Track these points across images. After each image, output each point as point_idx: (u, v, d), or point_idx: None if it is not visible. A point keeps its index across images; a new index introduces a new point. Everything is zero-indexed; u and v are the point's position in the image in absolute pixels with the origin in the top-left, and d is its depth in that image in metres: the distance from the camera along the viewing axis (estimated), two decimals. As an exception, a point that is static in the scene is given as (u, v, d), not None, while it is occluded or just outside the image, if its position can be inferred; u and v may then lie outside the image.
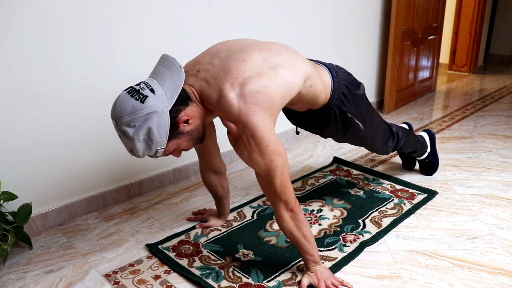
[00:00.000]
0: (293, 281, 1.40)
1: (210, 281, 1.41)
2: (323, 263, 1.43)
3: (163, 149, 1.16)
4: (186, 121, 1.17)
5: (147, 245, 1.63)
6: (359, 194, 1.98)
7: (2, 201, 1.56)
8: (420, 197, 1.93)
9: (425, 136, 2.13)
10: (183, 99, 1.16)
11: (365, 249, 1.56)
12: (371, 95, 3.38)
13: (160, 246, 1.61)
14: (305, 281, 1.36)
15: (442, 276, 1.41)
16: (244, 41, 1.32)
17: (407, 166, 2.25)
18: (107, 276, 1.47)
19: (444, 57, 4.76)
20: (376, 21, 3.17)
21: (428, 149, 2.11)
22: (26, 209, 1.59)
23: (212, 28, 2.14)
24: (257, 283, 1.39)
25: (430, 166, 2.16)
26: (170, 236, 1.68)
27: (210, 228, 1.73)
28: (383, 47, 3.32)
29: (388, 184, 2.08)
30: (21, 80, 1.60)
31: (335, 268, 1.45)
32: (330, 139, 2.76)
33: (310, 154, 2.55)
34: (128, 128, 1.09)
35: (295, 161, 2.45)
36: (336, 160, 2.40)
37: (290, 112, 1.63)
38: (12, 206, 1.63)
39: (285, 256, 1.53)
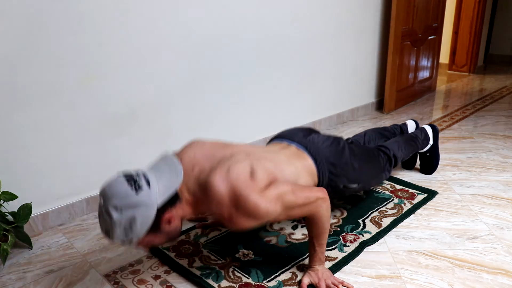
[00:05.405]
0: (293, 281, 1.40)
1: (210, 281, 1.41)
2: (323, 263, 1.43)
3: (138, 241, 1.14)
4: (169, 221, 1.16)
5: (147, 245, 1.62)
6: (359, 194, 1.98)
7: (2, 201, 1.56)
8: (420, 197, 1.93)
9: (428, 129, 2.12)
10: (173, 200, 1.16)
11: (365, 249, 1.56)
12: (371, 95, 3.38)
13: (160, 246, 1.61)
14: (306, 280, 1.36)
15: (442, 276, 1.41)
16: (232, 149, 1.33)
17: (407, 165, 2.25)
18: (107, 276, 1.47)
19: (444, 57, 4.76)
20: (376, 21, 3.17)
21: (431, 142, 2.11)
22: (26, 209, 1.59)
23: (213, 27, 2.14)
24: (257, 283, 1.39)
25: (430, 162, 2.15)
26: (170, 236, 1.68)
27: (210, 228, 1.73)
28: (383, 47, 3.32)
29: (388, 184, 2.08)
30: (21, 80, 1.59)
31: (335, 268, 1.45)
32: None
33: (310, 154, 2.55)
34: (114, 211, 1.07)
35: (295, 161, 2.44)
36: (336, 160, 2.40)
37: None
38: (12, 206, 1.63)
39: (285, 256, 1.53)
